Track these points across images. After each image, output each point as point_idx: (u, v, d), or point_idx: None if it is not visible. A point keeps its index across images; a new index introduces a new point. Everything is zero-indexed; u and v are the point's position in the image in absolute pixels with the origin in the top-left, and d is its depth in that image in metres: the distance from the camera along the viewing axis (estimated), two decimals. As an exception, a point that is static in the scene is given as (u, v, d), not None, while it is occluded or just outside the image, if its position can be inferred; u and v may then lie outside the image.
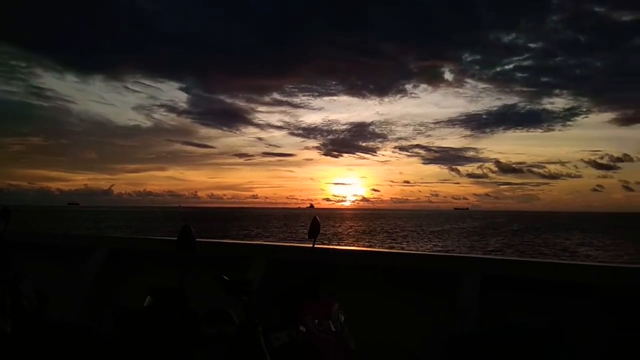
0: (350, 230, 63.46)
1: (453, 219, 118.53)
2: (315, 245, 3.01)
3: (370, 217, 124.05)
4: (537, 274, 3.20)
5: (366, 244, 42.94)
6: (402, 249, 36.65)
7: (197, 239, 2.76)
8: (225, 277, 2.41)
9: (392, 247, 38.50)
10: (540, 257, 30.75)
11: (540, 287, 3.16)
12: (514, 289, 3.24)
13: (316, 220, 3.00)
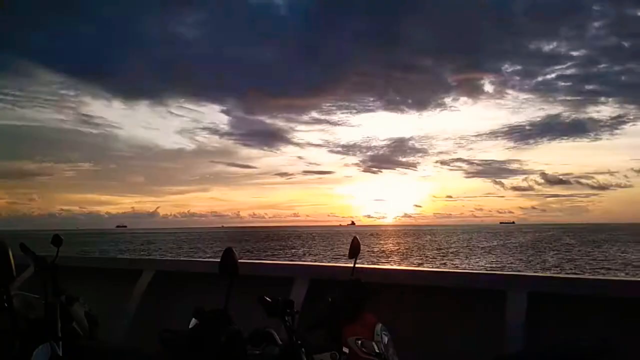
0: (398, 247, 62.04)
1: (502, 233, 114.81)
2: (357, 265, 3.00)
3: (416, 233, 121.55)
4: (585, 291, 3.09)
5: (417, 260, 41.71)
6: (456, 267, 35.14)
7: (240, 260, 2.80)
8: (268, 298, 2.43)
9: (445, 264, 37.19)
10: (599, 274, 29.48)
11: (588, 305, 3.06)
12: (562, 307, 3.14)
13: (356, 240, 3.00)
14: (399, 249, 58.66)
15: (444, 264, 38.00)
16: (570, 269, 33.40)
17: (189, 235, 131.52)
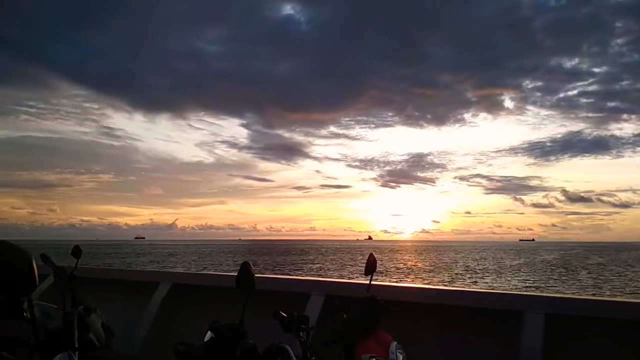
0: (423, 264, 60.29)
1: (525, 251, 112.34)
2: (373, 282, 2.99)
3: (437, 249, 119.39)
4: (604, 313, 3.03)
5: (446, 278, 40.07)
6: (489, 285, 33.94)
7: (257, 275, 2.80)
8: (283, 314, 2.43)
9: (476, 283, 35.82)
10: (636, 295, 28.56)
11: (607, 328, 2.99)
12: (580, 329, 3.08)
13: (372, 257, 2.99)
14: (425, 265, 56.97)
15: (475, 282, 36.56)
16: (609, 289, 32.10)
17: (208, 247, 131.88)
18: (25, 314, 2.12)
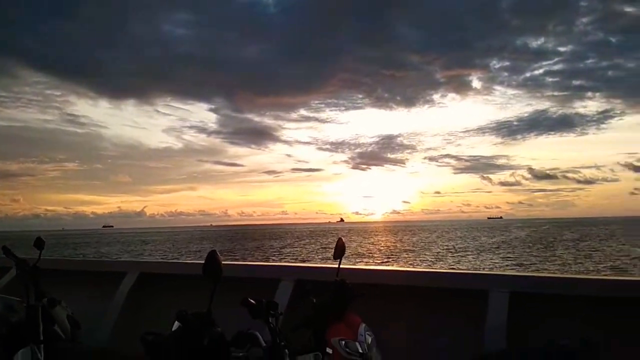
0: (403, 244, 59.55)
1: (497, 229, 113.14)
2: (342, 266, 3.00)
3: (410, 230, 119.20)
4: (568, 290, 3.12)
5: (430, 259, 39.43)
6: (468, 265, 33.69)
7: (225, 262, 2.78)
8: (252, 300, 2.43)
9: (460, 263, 35.51)
10: (622, 270, 28.98)
11: (570, 304, 3.08)
12: (545, 306, 3.16)
13: (341, 241, 3.00)
14: (405, 246, 56.00)
15: (458, 262, 36.28)
16: (592, 265, 31.98)
17: (180, 235, 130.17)
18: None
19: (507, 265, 33.13)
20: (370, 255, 44.58)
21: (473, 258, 38.84)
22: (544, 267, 31.62)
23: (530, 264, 33.47)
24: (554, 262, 34.59)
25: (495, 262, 35.46)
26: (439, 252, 46.30)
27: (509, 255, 40.74)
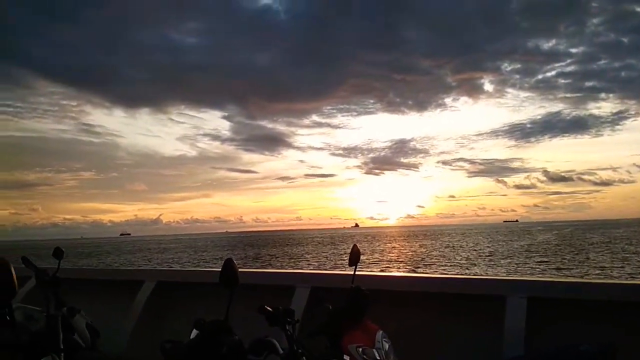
0: (427, 249, 57.76)
1: (519, 232, 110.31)
2: (357, 272, 3.00)
3: (429, 234, 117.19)
4: (585, 295, 3.08)
5: (464, 262, 38.34)
6: (473, 273, 32.55)
7: (241, 269, 2.80)
8: (268, 308, 2.44)
9: (494, 268, 34.23)
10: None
11: (589, 309, 3.05)
12: (562, 311, 3.13)
13: (356, 248, 3.00)
14: (430, 252, 53.70)
15: (494, 266, 34.95)
16: (635, 269, 30.40)
17: (198, 242, 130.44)
18: (7, 318, 2.10)
19: (545, 270, 32.11)
20: (400, 260, 43.65)
21: (506, 262, 37.73)
22: (585, 272, 30.31)
23: (568, 268, 32.26)
24: (590, 266, 33.33)
25: (532, 267, 34.32)
26: (468, 256, 45.22)
27: (543, 259, 39.40)
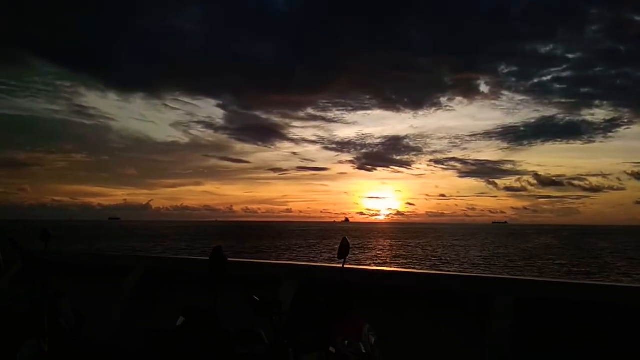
0: (433, 248, 56.28)
1: (515, 234, 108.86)
2: (346, 266, 3.00)
3: (419, 232, 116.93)
4: (573, 295, 3.09)
5: (481, 263, 36.91)
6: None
7: (230, 259, 2.79)
8: (256, 298, 2.43)
9: (512, 270, 33.01)
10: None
11: (576, 310, 3.05)
12: (549, 312, 3.13)
13: (346, 241, 2.99)
14: (438, 251, 52.36)
15: (511, 269, 32.97)
16: None
17: (190, 229, 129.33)
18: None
19: (571, 273, 31.38)
20: (408, 258, 42.66)
21: (522, 265, 36.45)
22: (618, 278, 29.59)
23: (593, 273, 31.38)
24: (614, 271, 32.56)
25: (550, 268, 33.47)
26: (484, 256, 43.85)
27: (559, 261, 38.76)
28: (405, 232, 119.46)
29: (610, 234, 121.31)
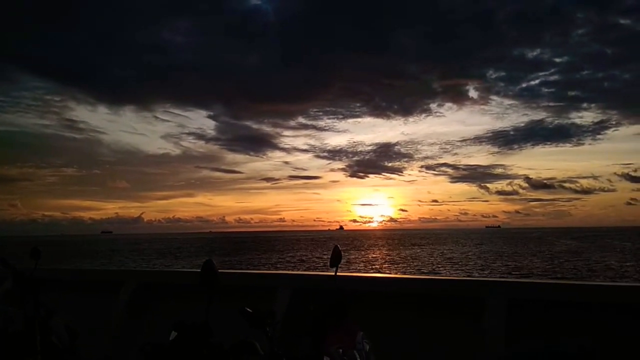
0: (444, 255, 54.19)
1: (515, 238, 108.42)
2: (339, 273, 3.00)
3: (415, 238, 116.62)
4: (565, 296, 3.11)
5: (504, 270, 35.90)
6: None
7: (221, 270, 2.78)
8: (249, 310, 2.43)
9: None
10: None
11: (569, 310, 3.07)
12: (542, 312, 3.15)
13: (337, 249, 2.99)
14: (455, 256, 51.37)
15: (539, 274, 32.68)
16: None
17: (177, 240, 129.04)
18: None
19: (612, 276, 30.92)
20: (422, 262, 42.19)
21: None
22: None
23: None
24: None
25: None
26: (501, 263, 41.73)
27: (564, 266, 37.79)
28: (412, 237, 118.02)
29: (620, 234, 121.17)
